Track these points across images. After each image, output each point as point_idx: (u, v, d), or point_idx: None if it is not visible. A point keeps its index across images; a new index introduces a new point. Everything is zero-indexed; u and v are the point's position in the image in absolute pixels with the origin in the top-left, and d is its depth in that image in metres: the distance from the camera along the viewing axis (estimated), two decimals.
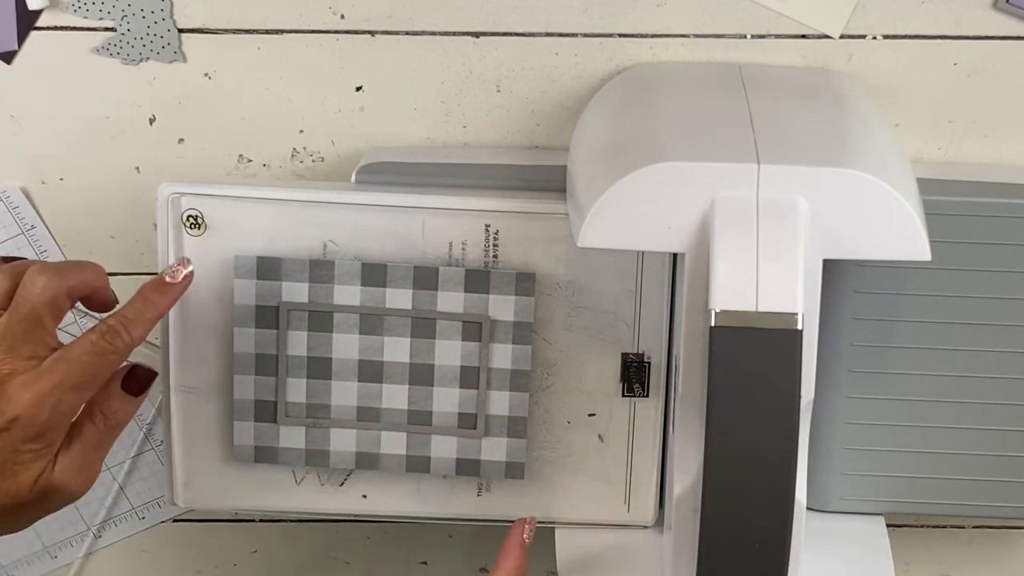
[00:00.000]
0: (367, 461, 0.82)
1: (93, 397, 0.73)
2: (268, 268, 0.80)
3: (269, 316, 0.80)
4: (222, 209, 0.79)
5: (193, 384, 0.82)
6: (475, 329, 0.79)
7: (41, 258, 0.87)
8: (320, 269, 0.79)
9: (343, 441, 0.82)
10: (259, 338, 0.81)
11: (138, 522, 0.94)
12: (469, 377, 0.80)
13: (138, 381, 0.75)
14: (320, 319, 0.80)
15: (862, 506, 0.84)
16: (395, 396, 0.81)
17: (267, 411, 0.82)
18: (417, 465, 0.82)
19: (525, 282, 0.79)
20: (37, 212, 0.87)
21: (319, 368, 0.81)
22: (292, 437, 0.82)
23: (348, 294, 0.80)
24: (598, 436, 0.82)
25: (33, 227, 0.87)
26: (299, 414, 0.82)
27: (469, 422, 0.81)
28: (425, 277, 0.79)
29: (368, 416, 0.82)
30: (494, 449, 0.82)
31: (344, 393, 0.81)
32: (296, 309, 0.80)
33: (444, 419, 0.81)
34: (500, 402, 0.81)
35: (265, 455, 0.83)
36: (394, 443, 0.82)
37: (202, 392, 0.82)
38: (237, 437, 0.83)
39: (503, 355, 0.80)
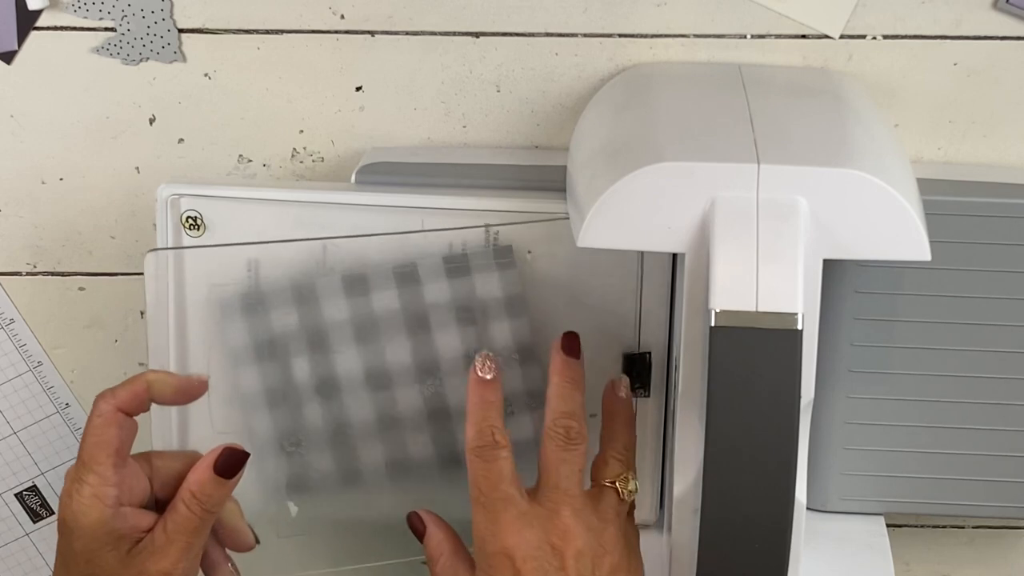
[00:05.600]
0: (400, 469, 0.82)
1: (187, 481, 0.74)
2: (253, 304, 0.80)
3: (266, 350, 0.80)
4: (221, 210, 0.79)
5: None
6: (468, 313, 0.79)
7: None
8: (303, 292, 0.79)
9: (371, 455, 0.82)
10: (263, 374, 0.81)
11: None
12: None
13: (229, 463, 0.75)
14: (316, 341, 0.80)
15: (862, 506, 0.84)
16: (410, 398, 0.81)
17: (291, 443, 0.82)
18: (450, 461, 0.82)
19: (503, 256, 0.79)
20: None
21: (328, 388, 0.81)
22: (321, 462, 0.82)
23: (336, 309, 0.80)
24: (600, 436, 0.82)
25: None
26: (322, 438, 0.82)
27: None
28: (406, 275, 0.79)
29: (389, 424, 0.82)
30: (521, 427, 0.81)
31: (359, 407, 0.81)
32: (291, 337, 0.80)
33: (463, 409, 0.81)
34: (513, 379, 0.81)
35: (300, 484, 0.83)
36: (421, 445, 0.82)
37: (203, 395, 0.82)
38: (267, 473, 0.82)
39: (502, 332, 0.80)
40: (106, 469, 0.73)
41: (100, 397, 0.74)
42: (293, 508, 0.82)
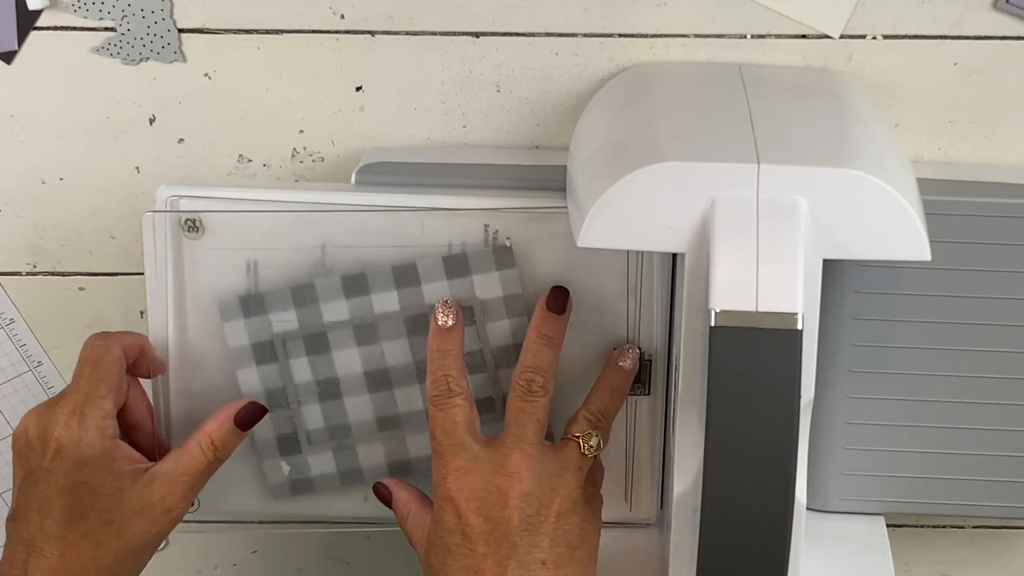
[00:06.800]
0: (400, 469, 0.82)
1: (206, 427, 0.78)
2: (253, 304, 0.80)
3: (266, 351, 0.80)
4: (220, 212, 0.79)
5: (194, 387, 0.82)
6: (468, 313, 0.79)
7: None
8: (303, 292, 0.79)
9: (372, 455, 0.82)
10: (263, 375, 0.81)
11: None
12: (475, 362, 0.80)
13: (248, 416, 0.79)
14: (316, 342, 0.80)
15: (862, 506, 0.84)
16: (409, 398, 0.81)
17: (291, 444, 0.82)
18: None
19: (503, 255, 0.79)
20: None
21: (329, 389, 0.81)
22: (322, 463, 0.82)
23: (336, 310, 0.80)
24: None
25: None
26: (322, 439, 0.82)
27: (488, 406, 0.81)
28: (405, 275, 0.79)
29: (389, 424, 0.82)
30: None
31: (359, 407, 0.81)
32: (290, 338, 0.80)
33: None
34: (511, 379, 0.80)
35: (301, 487, 0.83)
36: (421, 445, 0.82)
37: (203, 396, 0.82)
38: (269, 476, 0.83)
39: (502, 332, 0.80)
40: (108, 403, 0.77)
41: (101, 337, 0.79)
42: (285, 467, 0.82)
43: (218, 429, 0.79)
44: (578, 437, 0.77)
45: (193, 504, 0.82)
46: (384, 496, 0.81)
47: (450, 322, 0.77)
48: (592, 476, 0.78)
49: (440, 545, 0.75)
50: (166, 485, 0.77)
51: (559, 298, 0.78)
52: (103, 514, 0.76)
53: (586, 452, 0.77)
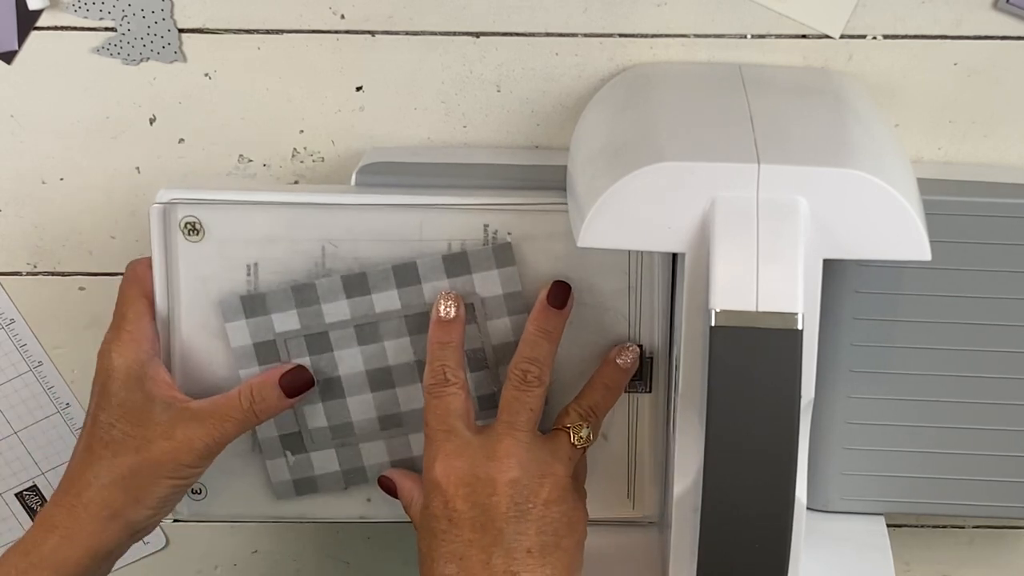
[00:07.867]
0: (403, 467, 0.82)
1: (250, 381, 0.79)
2: (254, 305, 0.80)
3: (268, 351, 0.81)
4: (220, 215, 0.79)
5: (198, 389, 0.82)
6: (468, 311, 0.80)
7: None
8: (304, 293, 0.79)
9: (375, 453, 0.82)
10: None
11: None
12: (477, 359, 0.80)
13: (294, 382, 0.79)
14: (317, 341, 0.80)
15: (862, 506, 0.84)
16: (411, 397, 0.81)
17: (294, 443, 0.82)
18: None
19: (503, 253, 0.79)
20: None
21: (331, 389, 0.81)
22: (325, 462, 0.83)
23: (337, 310, 0.80)
24: (601, 434, 0.82)
25: None
26: (325, 438, 0.82)
27: (490, 403, 0.81)
28: (405, 274, 0.79)
29: (391, 423, 0.82)
30: None
31: (362, 407, 0.81)
32: (292, 337, 0.80)
33: None
34: None
35: (305, 486, 0.83)
36: (423, 444, 0.82)
37: (207, 396, 0.82)
38: (273, 475, 0.83)
39: (502, 329, 0.80)
40: (146, 322, 0.79)
41: (139, 266, 0.80)
42: (291, 457, 0.82)
43: (261, 383, 0.79)
44: (568, 428, 0.77)
45: (200, 493, 0.82)
46: (389, 487, 0.81)
47: (452, 313, 0.78)
48: (575, 473, 0.78)
49: (428, 530, 0.75)
50: (194, 420, 0.77)
51: (560, 293, 0.78)
52: (132, 427, 0.77)
53: (576, 443, 0.77)
